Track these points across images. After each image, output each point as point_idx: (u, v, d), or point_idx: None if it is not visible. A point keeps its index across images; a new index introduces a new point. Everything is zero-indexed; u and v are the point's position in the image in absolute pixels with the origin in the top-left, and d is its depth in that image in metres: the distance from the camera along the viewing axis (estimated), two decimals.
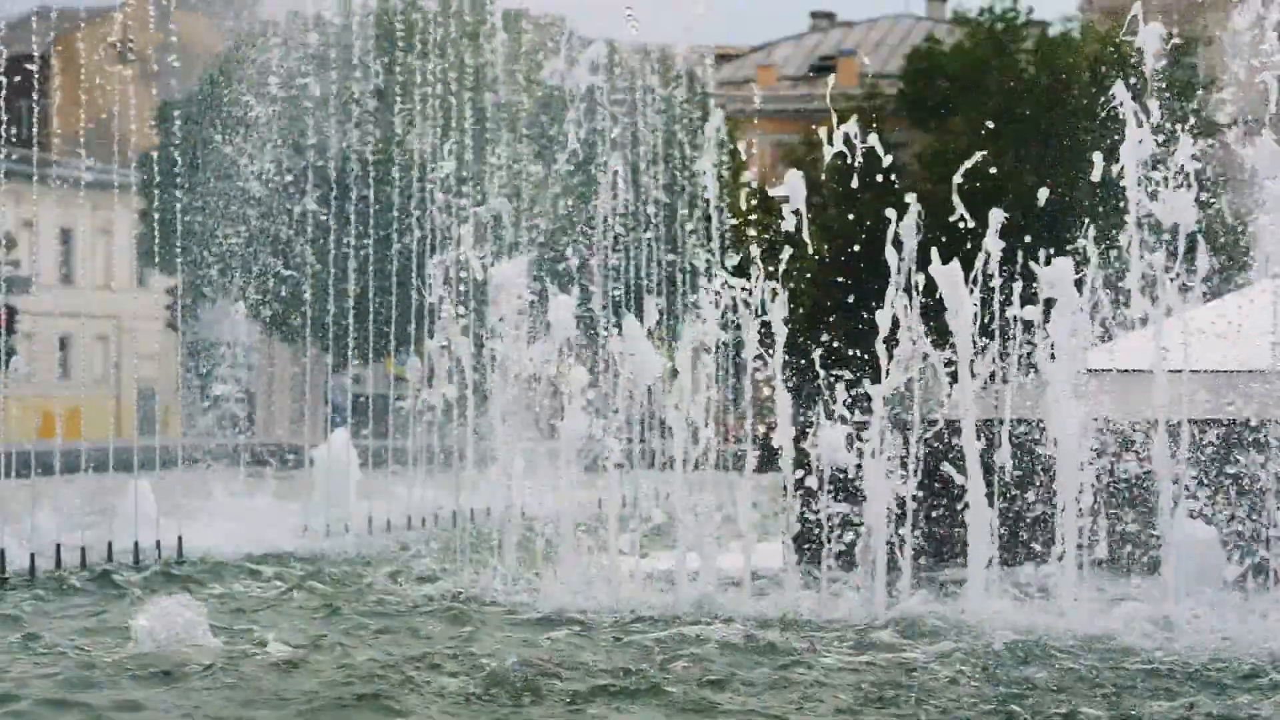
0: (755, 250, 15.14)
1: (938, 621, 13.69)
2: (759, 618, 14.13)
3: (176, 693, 11.11)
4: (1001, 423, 14.70)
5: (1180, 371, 14.35)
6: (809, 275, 41.08)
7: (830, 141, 15.38)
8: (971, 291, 14.59)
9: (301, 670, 11.83)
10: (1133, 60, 14.35)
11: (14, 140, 22.81)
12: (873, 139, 15.39)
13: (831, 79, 39.62)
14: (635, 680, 11.47)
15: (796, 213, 15.24)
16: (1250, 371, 14.93)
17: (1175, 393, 14.24)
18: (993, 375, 14.73)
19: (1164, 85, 14.28)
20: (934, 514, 15.19)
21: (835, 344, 14.89)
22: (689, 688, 11.21)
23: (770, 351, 15.13)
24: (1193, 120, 14.29)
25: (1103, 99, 14.46)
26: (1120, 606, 13.70)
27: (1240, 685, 11.31)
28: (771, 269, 15.14)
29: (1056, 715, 10.41)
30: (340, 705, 10.75)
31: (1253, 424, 14.46)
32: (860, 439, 14.80)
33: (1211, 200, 15.08)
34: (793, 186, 15.16)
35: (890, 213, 14.68)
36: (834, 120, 15.24)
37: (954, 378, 14.65)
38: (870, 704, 10.84)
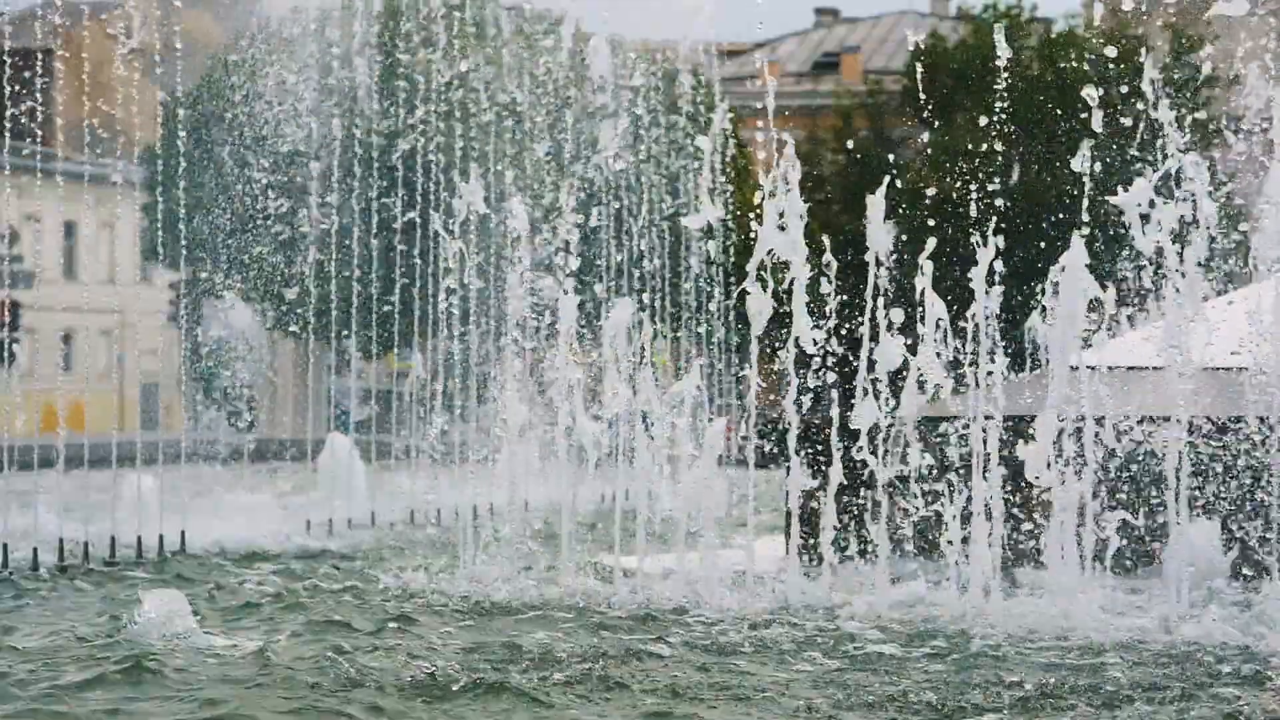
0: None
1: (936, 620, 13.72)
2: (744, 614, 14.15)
3: (171, 688, 11.12)
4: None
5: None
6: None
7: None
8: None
9: (294, 666, 11.83)
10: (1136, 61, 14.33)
11: (18, 134, 22.82)
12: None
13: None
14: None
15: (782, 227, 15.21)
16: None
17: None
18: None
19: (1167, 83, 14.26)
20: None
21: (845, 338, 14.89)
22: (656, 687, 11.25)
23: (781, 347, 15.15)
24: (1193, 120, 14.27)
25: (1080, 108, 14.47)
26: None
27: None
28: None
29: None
30: (331, 699, 10.77)
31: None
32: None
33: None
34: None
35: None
36: None
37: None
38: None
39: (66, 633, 13.46)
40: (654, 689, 11.14)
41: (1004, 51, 15.48)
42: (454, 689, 11.05)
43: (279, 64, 40.35)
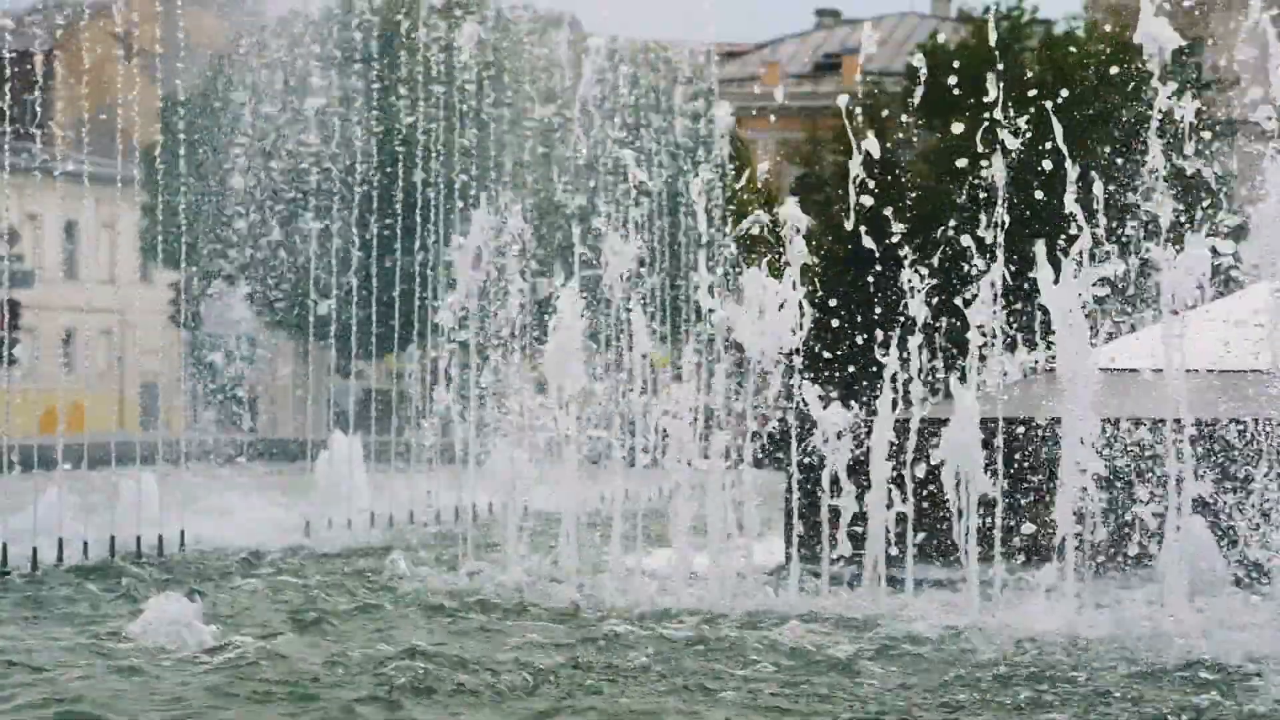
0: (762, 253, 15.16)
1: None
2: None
3: (171, 687, 11.12)
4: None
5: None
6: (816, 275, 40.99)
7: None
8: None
9: (291, 664, 11.83)
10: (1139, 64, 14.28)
11: (18, 134, 22.79)
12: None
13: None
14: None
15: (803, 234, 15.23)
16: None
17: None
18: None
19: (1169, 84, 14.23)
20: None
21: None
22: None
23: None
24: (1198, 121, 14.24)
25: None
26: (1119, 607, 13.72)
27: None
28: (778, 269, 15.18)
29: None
30: (329, 697, 10.77)
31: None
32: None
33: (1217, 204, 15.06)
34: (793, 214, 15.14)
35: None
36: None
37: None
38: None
39: (66, 632, 13.45)
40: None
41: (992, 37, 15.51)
42: (447, 690, 11.06)
43: (279, 64, 40.36)
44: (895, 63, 63.56)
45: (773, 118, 52.42)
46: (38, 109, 25.04)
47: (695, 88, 42.41)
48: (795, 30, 73.49)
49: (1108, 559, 14.43)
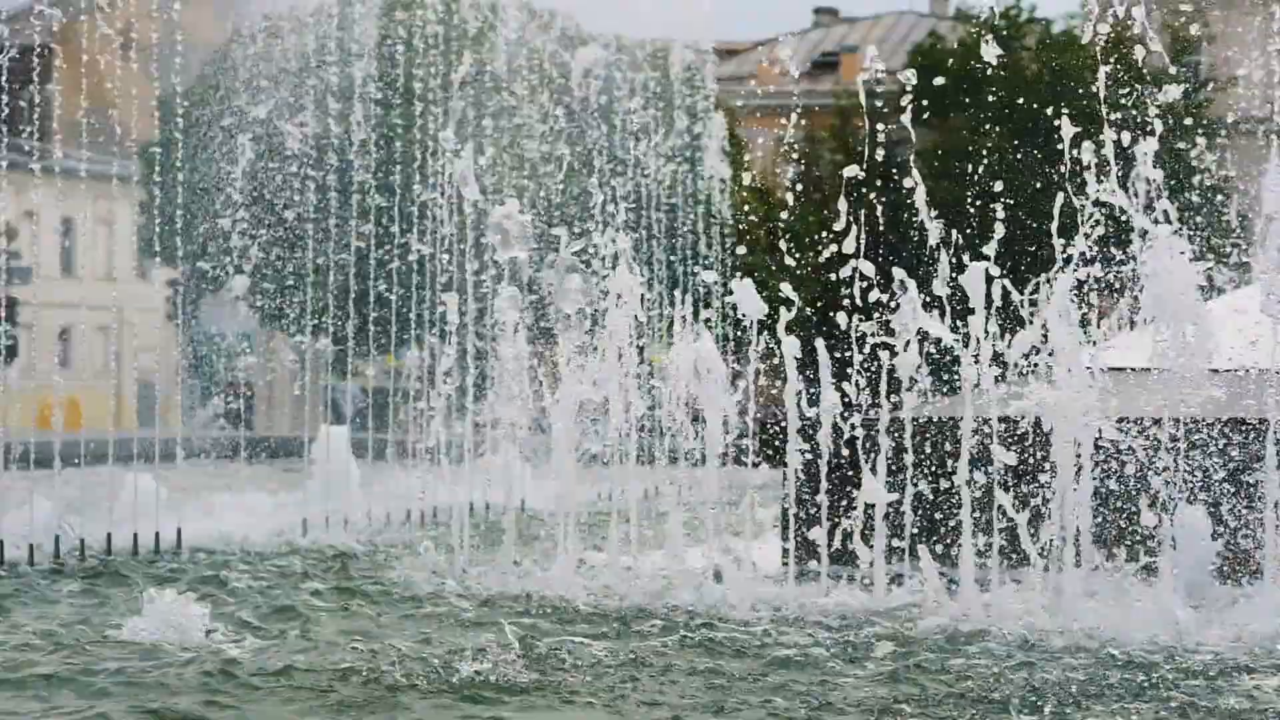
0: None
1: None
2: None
3: (169, 685, 11.12)
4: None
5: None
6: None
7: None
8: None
9: (289, 664, 11.82)
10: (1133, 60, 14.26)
11: (15, 130, 22.78)
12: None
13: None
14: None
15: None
16: None
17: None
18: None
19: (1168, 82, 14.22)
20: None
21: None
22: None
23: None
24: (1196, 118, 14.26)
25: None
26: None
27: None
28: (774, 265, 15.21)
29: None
30: (328, 696, 10.77)
31: None
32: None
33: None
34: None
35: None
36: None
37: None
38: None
39: (62, 630, 13.44)
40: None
41: (991, 54, 15.45)
42: (447, 689, 11.07)
43: (277, 61, 40.32)
44: (893, 61, 63.56)
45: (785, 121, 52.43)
46: (35, 105, 25.03)
47: (692, 83, 42.41)
48: (793, 28, 73.45)
49: None
